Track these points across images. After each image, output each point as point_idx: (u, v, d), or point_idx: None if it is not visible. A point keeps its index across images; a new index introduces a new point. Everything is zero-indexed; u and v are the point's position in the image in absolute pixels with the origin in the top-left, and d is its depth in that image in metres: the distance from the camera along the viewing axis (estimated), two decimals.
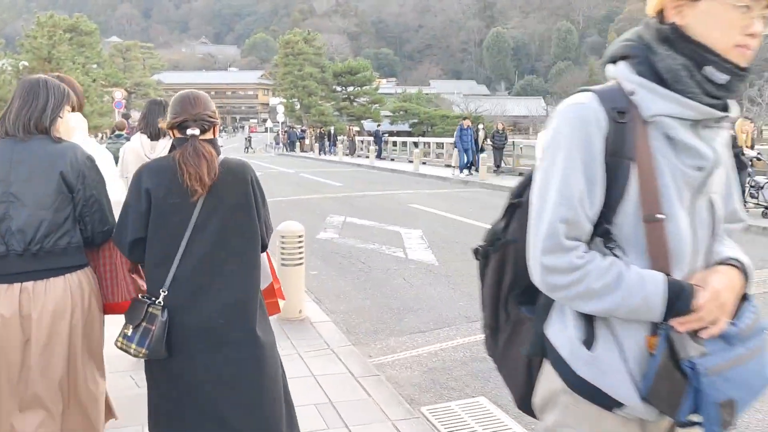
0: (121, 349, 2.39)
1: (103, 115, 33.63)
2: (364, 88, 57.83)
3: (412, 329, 5.55)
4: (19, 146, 2.47)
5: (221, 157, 2.47)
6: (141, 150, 4.15)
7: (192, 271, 2.36)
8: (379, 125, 35.09)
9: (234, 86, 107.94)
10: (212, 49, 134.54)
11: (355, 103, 57.76)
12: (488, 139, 21.85)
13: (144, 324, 2.32)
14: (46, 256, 2.44)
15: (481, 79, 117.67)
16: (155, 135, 4.18)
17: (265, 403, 2.44)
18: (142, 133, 4.25)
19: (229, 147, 53.50)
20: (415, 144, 29.98)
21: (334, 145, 37.82)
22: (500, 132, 21.67)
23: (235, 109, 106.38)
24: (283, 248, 5.38)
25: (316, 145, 40.27)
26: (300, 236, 5.46)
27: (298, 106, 55.65)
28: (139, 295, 2.44)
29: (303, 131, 47.64)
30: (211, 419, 2.36)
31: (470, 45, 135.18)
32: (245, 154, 45.39)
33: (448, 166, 23.94)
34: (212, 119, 2.50)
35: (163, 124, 2.76)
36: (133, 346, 2.33)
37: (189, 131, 2.41)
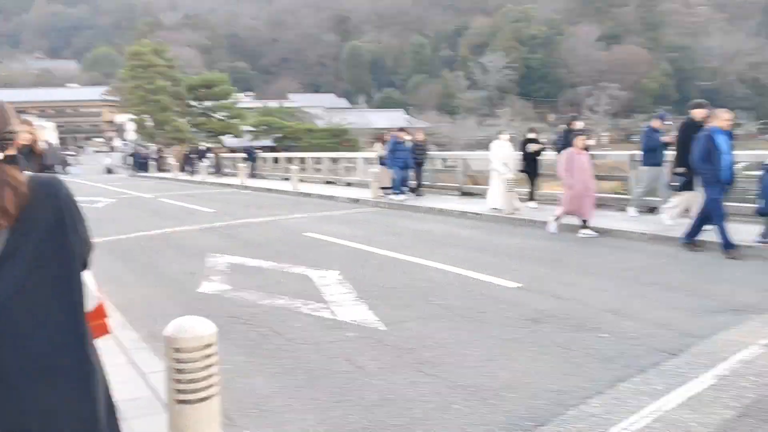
0: None
1: None
2: (222, 102, 54.55)
3: None
4: None
5: (28, 174, 2.16)
6: None
7: (6, 300, 2.07)
8: (251, 140, 32.00)
9: (75, 103, 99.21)
10: (49, 65, 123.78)
11: (213, 119, 54.29)
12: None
13: None
14: None
15: (340, 93, 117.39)
16: None
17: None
18: None
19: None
20: (288, 160, 27.57)
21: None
22: (421, 145, 17.77)
23: (78, 128, 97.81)
24: (178, 371, 2.90)
25: (176, 164, 36.21)
26: (208, 345, 2.91)
27: (151, 123, 51.09)
28: None
29: (159, 150, 43.47)
30: None
31: (327, 58, 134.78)
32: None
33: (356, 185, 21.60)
34: (12, 135, 2.16)
35: None
36: None
37: None
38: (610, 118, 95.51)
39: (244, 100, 71.11)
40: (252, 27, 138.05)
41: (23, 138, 4.83)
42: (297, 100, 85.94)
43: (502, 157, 13.56)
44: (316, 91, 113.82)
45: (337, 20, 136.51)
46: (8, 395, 2.12)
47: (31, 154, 5.79)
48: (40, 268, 2.17)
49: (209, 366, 2.93)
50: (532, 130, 14.80)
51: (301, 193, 20.39)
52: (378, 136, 16.18)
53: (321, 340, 5.41)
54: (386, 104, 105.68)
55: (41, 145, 6.13)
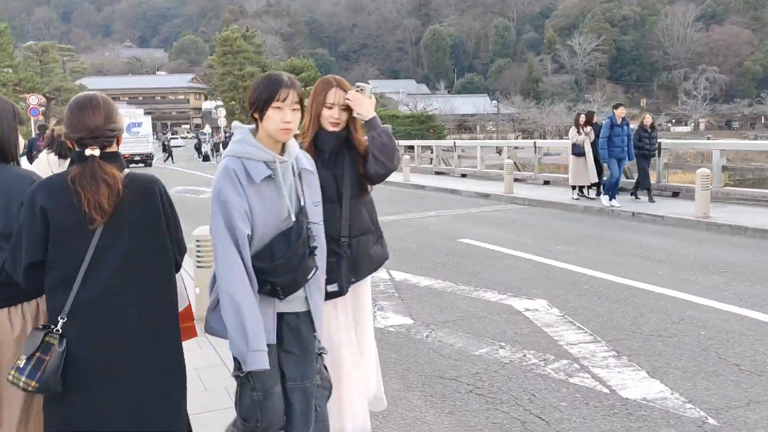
0: (12, 383, 2.13)
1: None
2: (308, 88, 53.45)
3: None
4: None
5: (126, 171, 2.21)
6: (49, 170, 3.60)
7: (96, 296, 2.12)
8: None
9: (163, 91, 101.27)
10: (138, 53, 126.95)
11: None
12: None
13: (38, 354, 2.09)
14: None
15: (419, 78, 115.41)
16: (65, 153, 3.71)
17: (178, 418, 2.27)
18: (49, 151, 3.95)
19: (159, 156, 48.25)
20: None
21: None
22: (648, 131, 12.62)
23: (166, 115, 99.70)
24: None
25: None
26: None
27: (239, 110, 50.59)
28: (39, 324, 2.24)
29: None
30: None
31: (406, 44, 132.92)
32: (173, 164, 40.32)
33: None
34: (114, 132, 2.21)
35: (59, 130, 2.46)
36: (23, 378, 2.08)
37: (88, 151, 2.15)
38: (708, 103, 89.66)
39: None
40: (332, 13, 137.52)
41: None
42: (377, 86, 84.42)
43: None
44: (396, 78, 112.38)
45: (417, 4, 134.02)
46: (87, 398, 2.11)
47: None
48: (131, 267, 2.14)
49: None
50: None
51: (415, 185, 18.57)
52: (583, 116, 13.31)
53: None
54: (467, 90, 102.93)
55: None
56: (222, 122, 44.43)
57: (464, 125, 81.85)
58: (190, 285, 5.77)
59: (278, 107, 2.25)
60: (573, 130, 13.30)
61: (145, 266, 2.18)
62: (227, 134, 46.15)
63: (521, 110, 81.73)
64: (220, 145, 44.06)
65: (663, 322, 5.43)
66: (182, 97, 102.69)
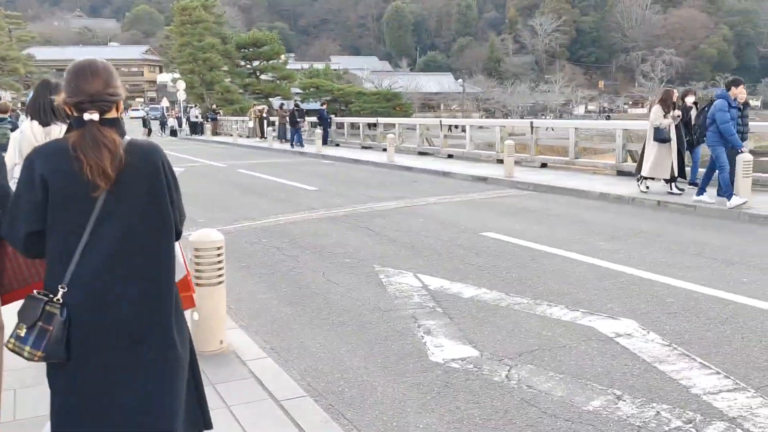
0: (13, 351, 2.11)
1: None
2: (271, 62, 51.49)
3: None
4: None
5: (127, 138, 2.15)
6: (33, 139, 3.75)
7: (97, 265, 2.08)
8: (323, 104, 28.55)
9: (116, 62, 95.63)
10: (89, 23, 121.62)
11: (261, 80, 51.29)
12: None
13: (40, 324, 2.05)
14: None
15: (381, 55, 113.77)
16: (47, 121, 3.91)
17: (176, 403, 2.20)
18: (32, 119, 3.94)
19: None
20: (370, 126, 24.28)
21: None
22: (741, 108, 9.91)
23: None
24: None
25: (269, 129, 29.26)
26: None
27: (199, 83, 48.23)
28: (35, 291, 2.13)
29: (215, 111, 40.46)
30: (119, 422, 2.12)
31: (368, 20, 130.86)
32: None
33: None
34: (114, 98, 2.15)
35: (58, 99, 2.20)
36: (27, 348, 2.06)
37: (86, 116, 2.09)
38: (665, 85, 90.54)
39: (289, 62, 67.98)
40: None
41: None
42: (339, 62, 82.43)
43: None
44: (357, 54, 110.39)
45: None
46: (91, 366, 2.08)
47: None
48: (133, 233, 2.10)
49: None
50: None
51: (400, 166, 17.22)
52: (677, 92, 10.95)
53: None
54: (430, 68, 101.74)
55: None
56: (181, 95, 42.13)
57: (428, 104, 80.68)
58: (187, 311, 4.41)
59: None
60: (657, 110, 10.74)
61: (147, 235, 2.12)
62: (187, 108, 43.89)
63: (485, 90, 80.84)
64: (182, 120, 41.87)
65: None
66: (136, 69, 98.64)
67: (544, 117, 71.92)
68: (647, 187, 11.14)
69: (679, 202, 10.13)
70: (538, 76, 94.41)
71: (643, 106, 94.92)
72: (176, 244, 2.30)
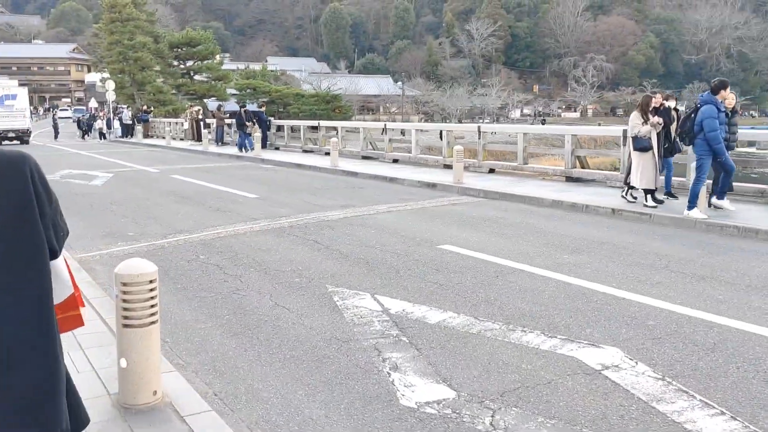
0: None
1: None
2: (206, 62, 50.01)
3: None
4: None
5: None
6: None
7: None
8: (261, 106, 27.52)
9: (41, 61, 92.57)
10: (11, 19, 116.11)
11: (195, 80, 49.76)
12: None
13: None
14: None
15: (319, 57, 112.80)
16: None
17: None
18: None
19: (39, 133, 43.54)
20: (313, 128, 23.53)
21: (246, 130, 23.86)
22: (730, 114, 9.64)
23: (44, 87, 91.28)
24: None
25: (205, 132, 28.41)
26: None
27: (129, 83, 46.29)
28: None
29: (147, 112, 38.73)
30: None
31: (306, 21, 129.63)
32: (55, 141, 36.73)
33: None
34: None
35: None
36: None
37: None
38: (596, 90, 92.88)
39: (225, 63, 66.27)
40: None
41: None
42: (276, 63, 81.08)
43: None
44: (295, 55, 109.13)
45: None
46: None
47: None
48: (3, 254, 1.89)
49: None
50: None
51: (345, 171, 16.61)
52: (657, 97, 10.16)
53: None
54: (368, 70, 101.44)
55: None
56: (111, 96, 40.26)
57: (367, 106, 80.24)
58: (113, 352, 3.75)
59: None
60: (635, 117, 10.03)
61: (11, 254, 1.86)
62: (117, 109, 42.02)
63: (424, 93, 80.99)
64: (111, 121, 40.04)
65: None
66: (63, 68, 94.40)
67: (482, 120, 72.71)
68: (634, 198, 10.50)
69: (634, 210, 9.91)
70: (476, 80, 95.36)
71: (575, 111, 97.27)
72: (60, 259, 2.06)
